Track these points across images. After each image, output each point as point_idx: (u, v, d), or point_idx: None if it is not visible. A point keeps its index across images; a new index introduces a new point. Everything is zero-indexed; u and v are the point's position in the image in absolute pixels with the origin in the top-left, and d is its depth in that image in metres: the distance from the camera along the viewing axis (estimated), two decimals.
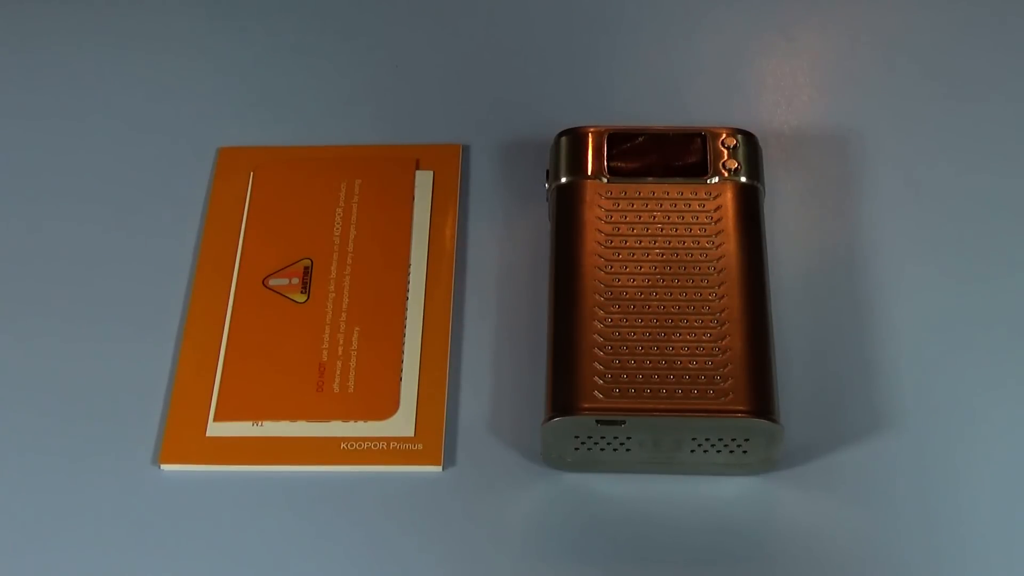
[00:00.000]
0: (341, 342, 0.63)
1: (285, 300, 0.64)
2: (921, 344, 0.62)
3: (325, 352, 0.63)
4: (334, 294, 0.64)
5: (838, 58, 0.74)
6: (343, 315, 0.64)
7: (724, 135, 0.65)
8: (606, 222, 0.62)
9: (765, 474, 0.59)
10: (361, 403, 0.61)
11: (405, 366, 0.62)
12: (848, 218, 0.67)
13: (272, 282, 0.65)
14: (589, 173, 0.64)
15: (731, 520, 0.58)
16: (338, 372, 0.62)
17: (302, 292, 0.65)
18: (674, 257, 0.61)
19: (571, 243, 0.62)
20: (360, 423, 0.61)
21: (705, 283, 0.60)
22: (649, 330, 0.59)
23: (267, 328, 0.64)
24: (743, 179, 0.63)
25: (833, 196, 0.68)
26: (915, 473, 0.59)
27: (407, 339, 0.63)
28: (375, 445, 0.60)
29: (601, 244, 0.61)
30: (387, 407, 0.61)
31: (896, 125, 0.70)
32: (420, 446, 0.60)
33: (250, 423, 0.61)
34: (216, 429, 0.61)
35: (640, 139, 0.65)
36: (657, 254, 0.61)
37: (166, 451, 0.60)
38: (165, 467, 0.60)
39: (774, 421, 0.57)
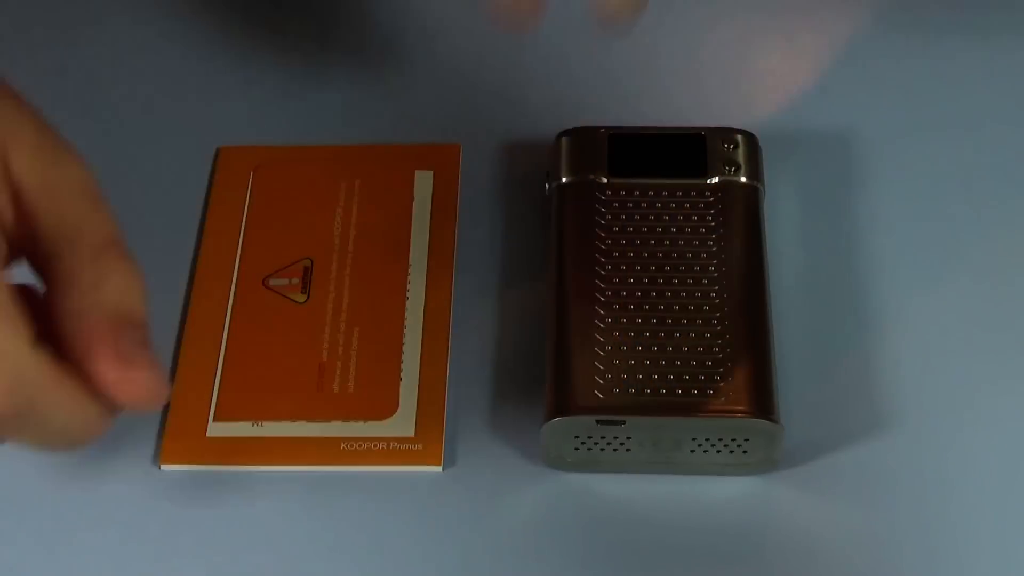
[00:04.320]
0: (341, 342, 0.63)
1: (285, 300, 0.64)
2: (921, 344, 0.62)
3: (325, 352, 0.63)
4: (334, 294, 0.64)
5: (838, 58, 0.74)
6: (343, 315, 0.64)
7: (724, 135, 0.65)
8: (606, 222, 0.62)
9: (765, 474, 0.59)
10: (361, 403, 0.61)
11: (405, 366, 0.62)
12: (848, 218, 0.67)
13: (272, 282, 0.65)
14: (589, 173, 0.64)
15: (731, 520, 0.58)
16: (338, 372, 0.62)
17: (302, 292, 0.65)
18: (674, 257, 0.61)
19: (571, 243, 0.62)
20: (360, 423, 0.61)
21: (705, 283, 0.60)
22: (649, 330, 0.58)
23: (267, 328, 0.64)
24: (743, 179, 0.63)
25: (833, 196, 0.68)
26: (915, 473, 0.59)
27: (407, 339, 0.63)
28: (375, 445, 0.60)
29: (601, 244, 0.61)
30: (387, 407, 0.61)
31: (896, 125, 0.70)
32: (420, 446, 0.60)
33: (250, 423, 0.61)
34: (216, 429, 0.61)
35: (640, 139, 0.65)
36: (657, 254, 0.61)
37: (166, 451, 0.60)
38: (165, 467, 0.60)
39: (774, 421, 0.57)
